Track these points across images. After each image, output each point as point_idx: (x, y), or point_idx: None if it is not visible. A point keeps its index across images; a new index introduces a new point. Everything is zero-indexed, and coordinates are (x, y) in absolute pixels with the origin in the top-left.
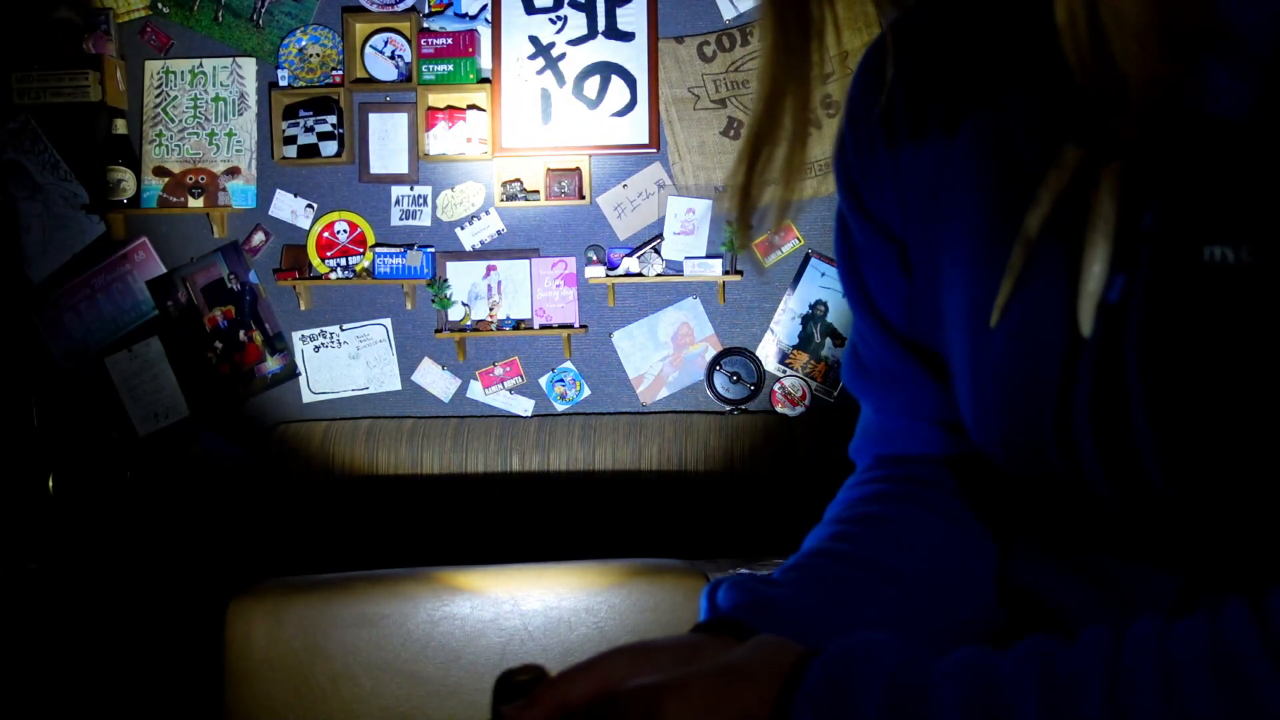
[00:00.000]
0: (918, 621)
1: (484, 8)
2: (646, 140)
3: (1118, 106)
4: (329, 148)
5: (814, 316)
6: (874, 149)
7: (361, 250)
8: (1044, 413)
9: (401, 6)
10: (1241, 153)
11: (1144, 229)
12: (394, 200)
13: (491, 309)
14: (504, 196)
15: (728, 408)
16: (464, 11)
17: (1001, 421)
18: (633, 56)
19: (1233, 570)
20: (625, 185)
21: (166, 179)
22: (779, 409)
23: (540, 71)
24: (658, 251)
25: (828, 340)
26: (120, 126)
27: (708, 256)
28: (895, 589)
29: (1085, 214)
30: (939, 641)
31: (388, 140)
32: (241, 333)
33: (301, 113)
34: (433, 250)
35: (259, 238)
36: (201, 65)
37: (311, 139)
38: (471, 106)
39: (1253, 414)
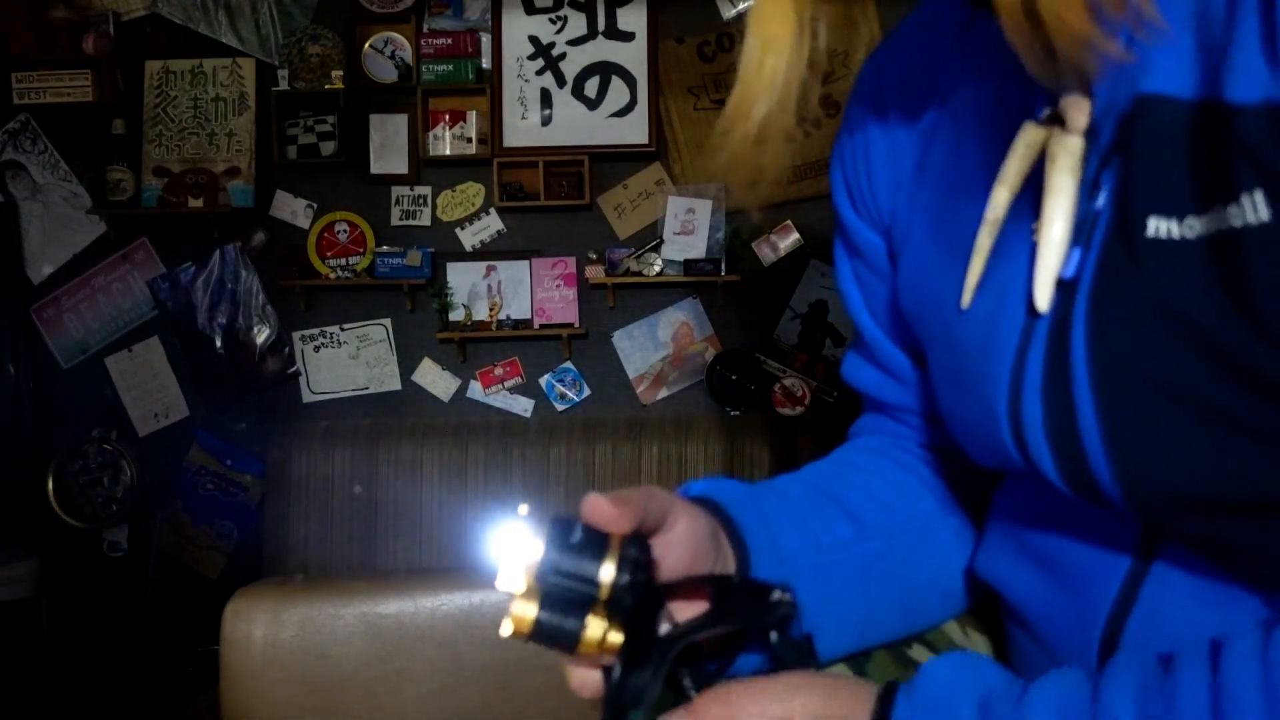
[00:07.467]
0: (871, 565)
1: (484, 8)
2: (646, 140)
3: (1052, 75)
4: (329, 148)
5: (814, 316)
6: (869, 141)
7: (361, 250)
8: (999, 391)
9: (401, 6)
10: (1188, 128)
11: (1099, 205)
12: (394, 200)
13: (492, 309)
14: (504, 196)
15: (727, 408)
16: (464, 12)
17: (966, 402)
18: (633, 56)
19: (1179, 552)
20: (625, 185)
21: (166, 179)
22: (779, 409)
23: (540, 71)
24: (658, 252)
25: (828, 340)
26: (120, 126)
27: (708, 257)
28: (850, 526)
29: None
30: (888, 604)
31: (388, 140)
32: (241, 333)
33: (301, 113)
34: (432, 250)
35: (259, 238)
36: (201, 65)
37: (311, 139)
38: (471, 107)
39: (1189, 390)
